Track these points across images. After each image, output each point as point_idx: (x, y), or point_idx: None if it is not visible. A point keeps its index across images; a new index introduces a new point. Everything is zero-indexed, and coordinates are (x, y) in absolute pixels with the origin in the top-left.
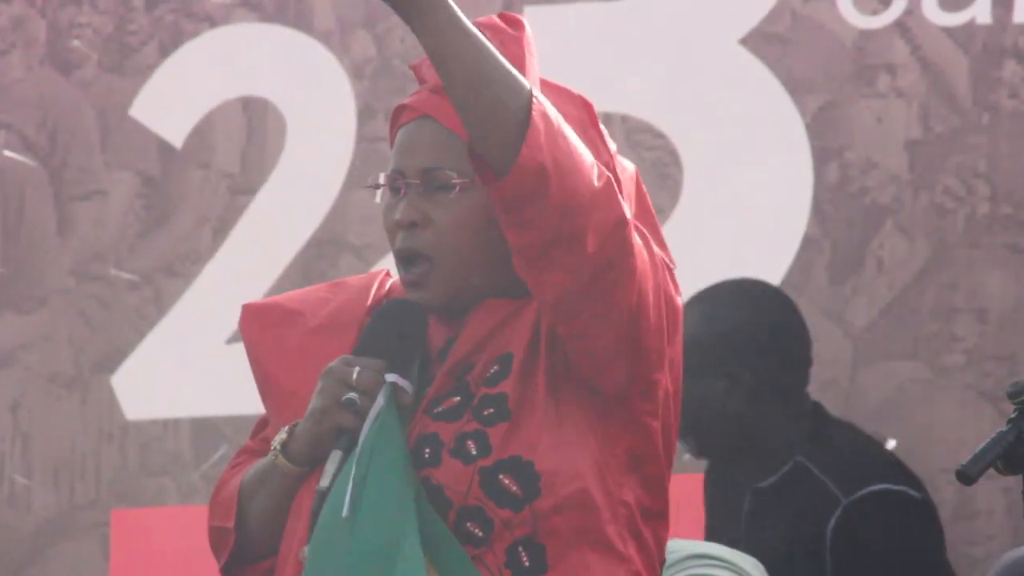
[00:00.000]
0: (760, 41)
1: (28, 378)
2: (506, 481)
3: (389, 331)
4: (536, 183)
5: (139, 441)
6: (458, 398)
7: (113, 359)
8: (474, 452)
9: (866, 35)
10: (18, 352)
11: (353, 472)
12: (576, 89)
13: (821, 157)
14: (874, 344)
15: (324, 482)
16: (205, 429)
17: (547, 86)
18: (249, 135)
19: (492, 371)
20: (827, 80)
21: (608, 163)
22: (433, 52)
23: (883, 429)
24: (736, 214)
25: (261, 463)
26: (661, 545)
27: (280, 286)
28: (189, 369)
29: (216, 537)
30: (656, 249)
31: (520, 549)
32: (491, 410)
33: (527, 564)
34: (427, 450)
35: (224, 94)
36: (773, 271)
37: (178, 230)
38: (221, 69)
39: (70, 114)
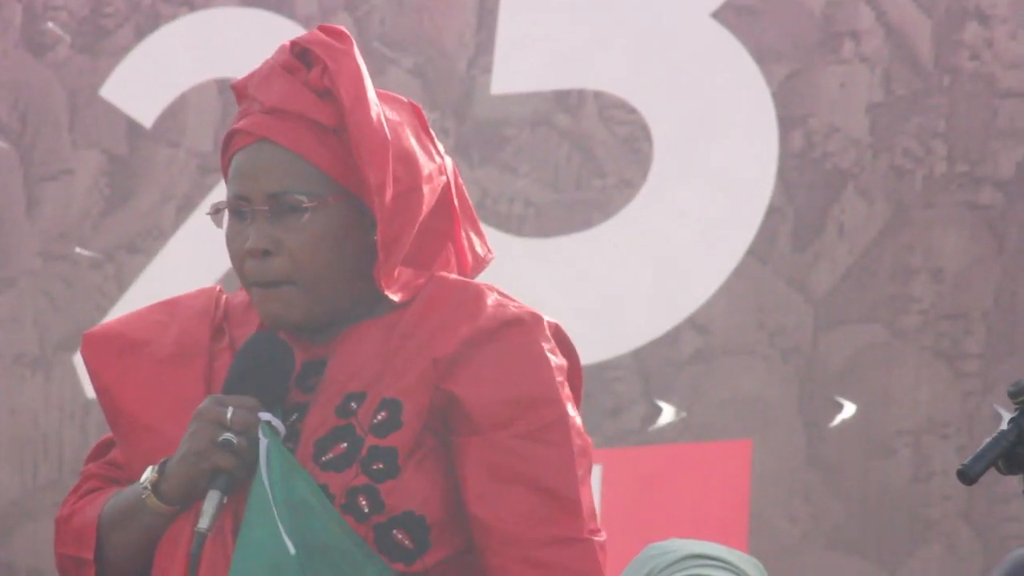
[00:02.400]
0: (731, 13)
1: None
2: (399, 536)
3: (256, 368)
4: None
5: (99, 419)
6: (345, 445)
7: (76, 338)
8: (367, 509)
9: (834, 3)
10: None
11: (276, 511)
12: (547, 67)
13: (786, 125)
14: (835, 309)
15: (204, 523)
16: None
17: (380, 98)
18: (224, 115)
19: (379, 418)
20: (794, 48)
21: (441, 167)
22: None
23: (843, 394)
24: (704, 187)
25: (124, 496)
26: None
27: None
28: None
29: (69, 566)
30: None
31: None
32: (380, 465)
33: None
34: None
35: (200, 76)
36: (739, 241)
37: (141, 207)
38: (198, 52)
39: (41, 95)
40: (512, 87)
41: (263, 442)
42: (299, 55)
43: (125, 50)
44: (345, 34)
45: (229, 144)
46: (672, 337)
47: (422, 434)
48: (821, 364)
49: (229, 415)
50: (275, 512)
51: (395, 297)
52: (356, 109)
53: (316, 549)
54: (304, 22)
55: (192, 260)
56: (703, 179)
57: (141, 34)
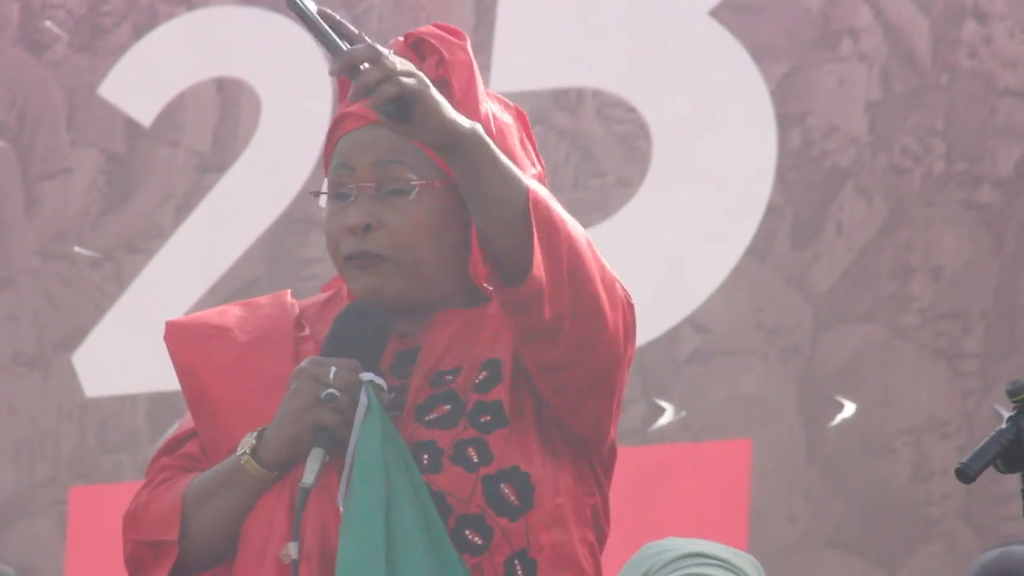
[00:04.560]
0: (729, 11)
1: None
2: (506, 490)
3: (353, 334)
4: (538, 297)
5: (97, 418)
6: (449, 406)
7: (74, 337)
8: (476, 459)
9: (831, 1)
10: None
11: (352, 469)
12: (546, 65)
13: (784, 123)
14: (834, 308)
15: (308, 479)
16: (161, 404)
17: (489, 95)
18: (222, 114)
19: (481, 377)
20: (792, 47)
21: (540, 175)
22: (466, 187)
23: (843, 393)
24: (703, 185)
25: (214, 472)
26: (601, 553)
27: (244, 262)
28: (146, 345)
29: (145, 553)
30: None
31: (516, 563)
32: (488, 417)
33: None
34: (425, 456)
35: (198, 74)
36: (738, 240)
37: (140, 207)
38: (196, 50)
39: (39, 94)
40: (510, 86)
41: (362, 401)
42: (414, 46)
43: (123, 48)
44: (460, 31)
45: (337, 128)
46: (671, 336)
47: (521, 390)
48: (820, 363)
49: (332, 373)
50: (347, 469)
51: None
52: (467, 99)
53: (394, 513)
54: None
55: (191, 259)
56: (702, 178)
57: (139, 33)
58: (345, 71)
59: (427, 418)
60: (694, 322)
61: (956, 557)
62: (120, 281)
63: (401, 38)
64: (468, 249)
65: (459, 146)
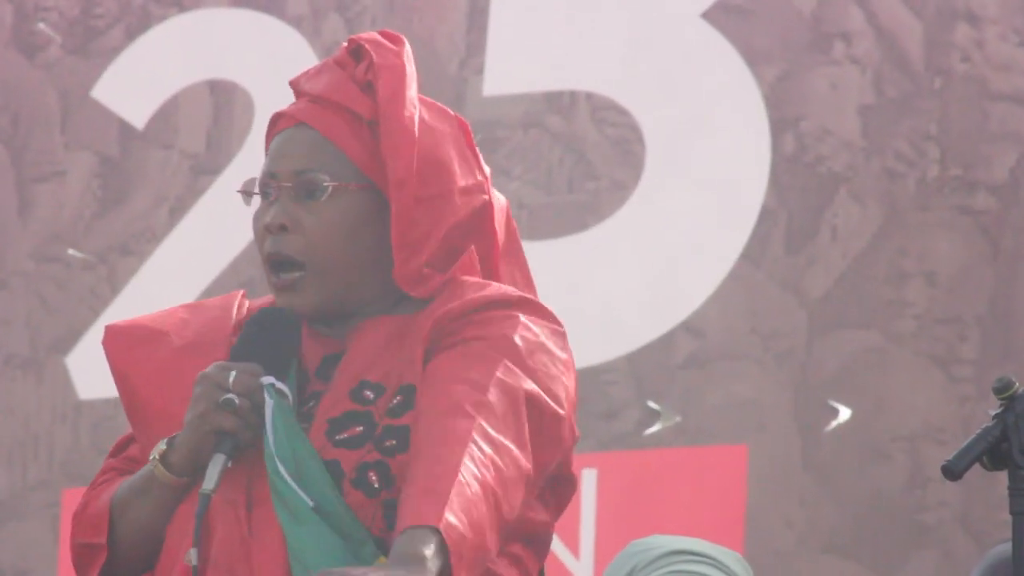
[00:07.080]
0: (721, 14)
1: None
2: None
3: (262, 338)
4: None
5: (91, 420)
6: (360, 428)
7: (68, 339)
8: (376, 484)
9: (824, 4)
10: None
11: (281, 467)
12: (539, 68)
13: (778, 127)
14: (829, 313)
15: (208, 485)
16: None
17: (424, 104)
18: (216, 117)
19: (396, 401)
20: (785, 50)
21: (481, 184)
22: None
23: (838, 399)
24: (697, 189)
25: (135, 476)
26: (538, 566)
27: (236, 266)
28: None
29: (82, 554)
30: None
31: None
32: (392, 442)
33: None
34: None
35: (191, 77)
36: (732, 245)
37: (134, 209)
38: (189, 52)
39: (32, 96)
40: (504, 89)
41: (268, 403)
42: (352, 52)
43: (116, 51)
44: (400, 38)
45: (273, 127)
46: (666, 341)
47: None
48: (816, 369)
49: (231, 378)
50: (281, 468)
51: (413, 294)
52: (390, 102)
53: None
54: (295, 22)
55: (185, 262)
56: (695, 182)
57: (132, 35)
58: None
59: (337, 437)
60: (689, 327)
61: (952, 563)
62: (114, 284)
63: (345, 43)
64: (389, 253)
65: None
